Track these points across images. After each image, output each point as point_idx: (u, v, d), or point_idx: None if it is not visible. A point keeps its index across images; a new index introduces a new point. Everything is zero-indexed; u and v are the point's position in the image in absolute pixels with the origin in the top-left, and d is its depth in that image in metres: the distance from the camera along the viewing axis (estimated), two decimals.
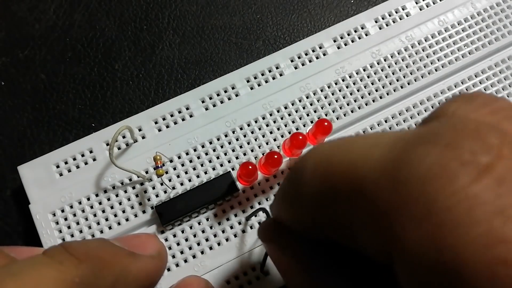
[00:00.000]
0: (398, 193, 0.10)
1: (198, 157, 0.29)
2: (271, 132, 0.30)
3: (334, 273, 0.16)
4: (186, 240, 0.28)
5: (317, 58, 0.32)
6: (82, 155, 0.30)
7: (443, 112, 0.13)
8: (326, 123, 0.28)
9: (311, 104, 0.31)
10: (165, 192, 0.29)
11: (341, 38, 0.33)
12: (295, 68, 0.32)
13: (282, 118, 0.30)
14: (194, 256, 0.28)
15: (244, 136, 0.30)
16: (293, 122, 0.30)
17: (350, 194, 0.12)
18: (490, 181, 0.09)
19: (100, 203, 0.29)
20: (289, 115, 0.30)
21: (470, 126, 0.11)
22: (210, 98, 0.31)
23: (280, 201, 0.18)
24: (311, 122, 0.30)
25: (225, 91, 0.31)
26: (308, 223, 0.16)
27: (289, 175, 0.17)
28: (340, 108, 0.31)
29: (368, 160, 0.12)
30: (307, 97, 0.31)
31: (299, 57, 0.32)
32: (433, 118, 0.13)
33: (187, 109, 0.31)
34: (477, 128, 0.10)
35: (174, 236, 0.28)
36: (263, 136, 0.30)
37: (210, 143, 0.30)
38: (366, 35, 0.33)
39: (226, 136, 0.30)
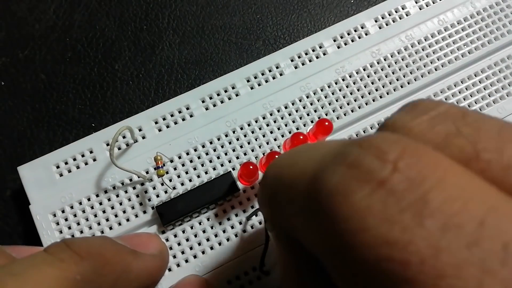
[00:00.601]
0: (313, 207, 0.13)
1: (199, 157, 0.29)
2: (271, 132, 0.30)
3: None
4: (187, 240, 0.28)
5: (317, 57, 0.32)
6: (82, 156, 0.29)
7: (386, 123, 0.14)
8: (326, 123, 0.28)
9: (311, 104, 0.30)
10: (166, 192, 0.28)
11: (341, 37, 0.32)
12: (295, 67, 0.31)
13: (282, 118, 0.30)
14: (195, 256, 0.27)
15: (245, 135, 0.29)
16: (293, 121, 0.30)
17: (286, 194, 0.15)
18: (381, 194, 0.11)
19: (100, 204, 0.28)
20: (290, 114, 0.30)
21: (374, 144, 0.12)
22: (210, 98, 0.30)
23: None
24: (312, 121, 0.30)
25: (225, 91, 0.31)
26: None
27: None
28: (340, 107, 0.30)
29: (303, 171, 0.14)
30: (307, 97, 0.30)
31: (299, 57, 0.32)
32: (381, 128, 0.15)
33: (187, 109, 0.30)
34: (379, 146, 0.12)
35: (175, 236, 0.28)
36: (264, 136, 0.30)
37: (211, 143, 0.29)
38: (366, 34, 0.32)
39: (226, 136, 0.29)
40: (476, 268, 0.10)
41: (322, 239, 0.12)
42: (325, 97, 0.30)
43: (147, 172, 0.29)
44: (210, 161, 0.29)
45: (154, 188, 0.28)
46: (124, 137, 0.29)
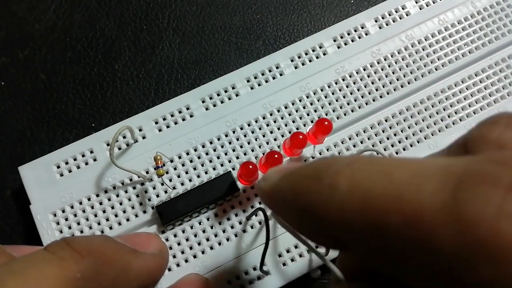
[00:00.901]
0: (466, 235, 0.10)
1: (199, 157, 0.29)
2: (271, 132, 0.30)
3: None
4: (187, 240, 0.28)
5: (317, 57, 0.32)
6: (83, 156, 0.29)
7: (485, 138, 0.13)
8: (326, 123, 0.28)
9: (311, 104, 0.31)
10: (166, 192, 0.29)
11: (341, 37, 0.32)
12: (295, 67, 0.32)
13: (282, 118, 0.30)
14: (195, 256, 0.28)
15: (245, 135, 0.30)
16: (293, 121, 0.30)
17: (402, 228, 0.12)
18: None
19: (100, 203, 0.28)
20: (289, 114, 0.30)
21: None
22: (211, 98, 0.31)
23: (289, 197, 0.16)
24: (311, 121, 0.30)
25: (225, 91, 0.31)
26: (338, 243, 0.15)
27: (306, 182, 0.15)
28: (341, 107, 0.31)
29: (418, 193, 0.12)
30: (307, 97, 0.31)
31: (299, 57, 0.32)
32: (472, 144, 0.13)
33: (188, 109, 0.30)
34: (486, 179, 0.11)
35: (175, 236, 0.28)
36: (264, 136, 0.30)
37: (211, 143, 0.30)
38: (366, 34, 0.32)
39: (226, 135, 0.30)
40: None
41: (471, 280, 0.10)
42: (325, 97, 0.31)
43: (147, 172, 0.29)
44: (210, 161, 0.29)
45: (154, 188, 0.29)
46: (124, 137, 0.30)
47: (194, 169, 0.29)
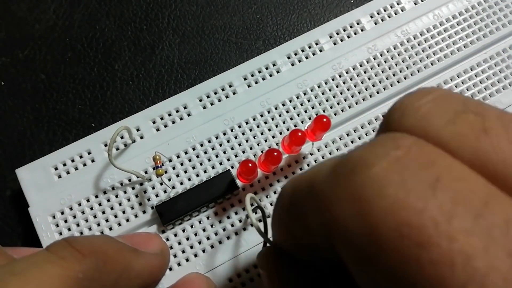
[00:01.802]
0: (334, 185, 0.12)
1: (197, 156, 0.28)
2: (269, 130, 0.28)
3: None
4: (187, 239, 0.26)
5: (313, 54, 0.30)
6: (81, 157, 0.28)
7: (394, 108, 0.14)
8: (324, 119, 0.26)
9: (308, 101, 0.29)
10: (165, 191, 0.27)
11: (337, 34, 0.31)
12: (292, 65, 0.30)
13: (280, 115, 0.29)
14: (195, 255, 0.26)
15: (243, 134, 0.28)
16: (291, 119, 0.29)
17: (306, 198, 0.14)
18: (396, 166, 0.11)
19: (100, 204, 0.27)
20: (287, 112, 0.29)
21: (391, 136, 0.12)
22: (208, 97, 0.29)
23: (272, 225, 0.19)
24: (309, 118, 0.29)
25: (223, 89, 0.29)
26: (291, 241, 0.17)
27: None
28: (338, 103, 0.29)
29: (320, 172, 0.13)
30: (304, 94, 0.29)
31: (295, 54, 0.30)
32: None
33: (185, 108, 0.29)
34: (395, 136, 0.12)
35: (175, 235, 0.26)
36: (262, 134, 0.28)
37: (209, 141, 0.28)
38: (362, 30, 0.31)
39: (224, 134, 0.28)
40: (483, 235, 0.10)
41: (337, 218, 0.12)
42: (322, 93, 0.29)
43: (146, 172, 0.27)
44: (209, 160, 0.28)
45: (153, 188, 0.27)
46: (122, 137, 0.28)
47: (193, 168, 0.28)
